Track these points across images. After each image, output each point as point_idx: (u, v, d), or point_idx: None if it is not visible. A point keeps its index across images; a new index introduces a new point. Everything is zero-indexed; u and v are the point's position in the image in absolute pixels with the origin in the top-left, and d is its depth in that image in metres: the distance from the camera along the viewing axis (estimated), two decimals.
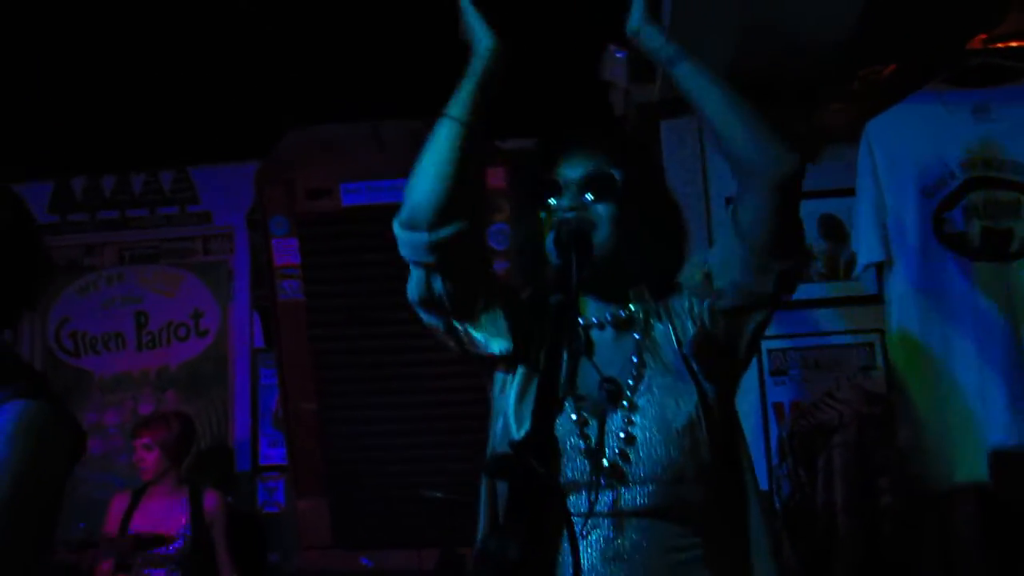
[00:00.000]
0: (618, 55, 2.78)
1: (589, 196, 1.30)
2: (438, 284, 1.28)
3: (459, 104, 1.27)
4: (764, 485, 2.28)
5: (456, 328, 1.32)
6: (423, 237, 1.24)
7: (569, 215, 1.28)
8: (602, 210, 1.29)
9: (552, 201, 1.31)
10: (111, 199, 4.17)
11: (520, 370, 1.32)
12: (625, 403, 1.27)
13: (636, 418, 1.25)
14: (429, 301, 1.30)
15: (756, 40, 2.26)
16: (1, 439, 1.26)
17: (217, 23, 3.07)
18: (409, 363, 3.44)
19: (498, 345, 1.32)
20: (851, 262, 2.58)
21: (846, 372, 2.64)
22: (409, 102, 3.44)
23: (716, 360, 1.30)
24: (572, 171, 1.31)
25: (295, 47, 3.20)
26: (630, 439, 1.24)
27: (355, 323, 3.46)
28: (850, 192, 2.45)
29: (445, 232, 1.23)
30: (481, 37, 1.30)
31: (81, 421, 4.02)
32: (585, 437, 1.25)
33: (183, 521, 3.37)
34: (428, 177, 1.24)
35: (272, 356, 3.80)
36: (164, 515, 3.38)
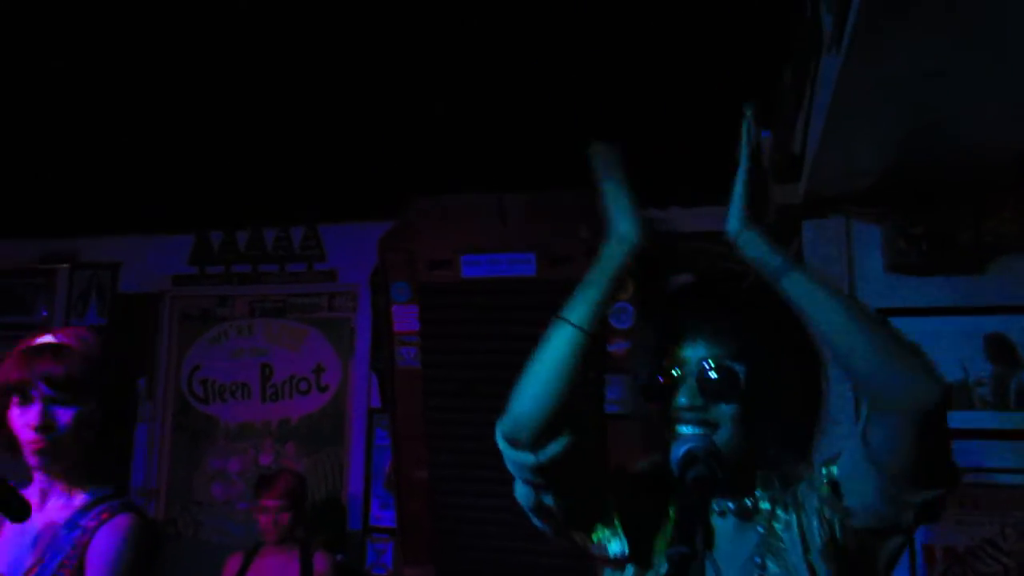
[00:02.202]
0: (763, 134, 2.62)
1: (707, 392, 1.17)
2: (548, 499, 1.19)
3: (582, 308, 1.16)
4: None
5: (571, 535, 1.24)
6: (528, 458, 1.15)
7: (690, 430, 1.15)
8: (725, 410, 1.16)
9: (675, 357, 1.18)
10: (245, 253, 4.33)
11: (630, 571, 1.21)
12: None
13: None
14: (539, 512, 1.22)
15: (919, 142, 2.04)
16: (113, 551, 1.49)
17: (351, 92, 3.13)
18: None
19: (615, 547, 1.21)
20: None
21: (1013, 518, 2.28)
22: (533, 175, 3.42)
23: (848, 572, 1.14)
24: (692, 353, 1.18)
25: (428, 115, 3.23)
26: None
27: (468, 395, 3.41)
28: (1023, 309, 2.19)
29: (551, 451, 1.14)
30: (626, 227, 1.20)
31: (206, 467, 4.24)
32: None
33: None
34: (537, 389, 1.14)
35: (387, 418, 3.81)
36: (275, 574, 3.42)
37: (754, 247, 1.17)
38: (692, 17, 2.55)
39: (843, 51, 1.56)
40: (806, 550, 1.15)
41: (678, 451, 1.11)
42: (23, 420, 1.53)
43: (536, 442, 1.13)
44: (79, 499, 1.57)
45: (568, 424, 1.14)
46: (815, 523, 1.15)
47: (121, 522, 1.53)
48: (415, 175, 3.58)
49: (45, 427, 1.52)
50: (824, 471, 1.15)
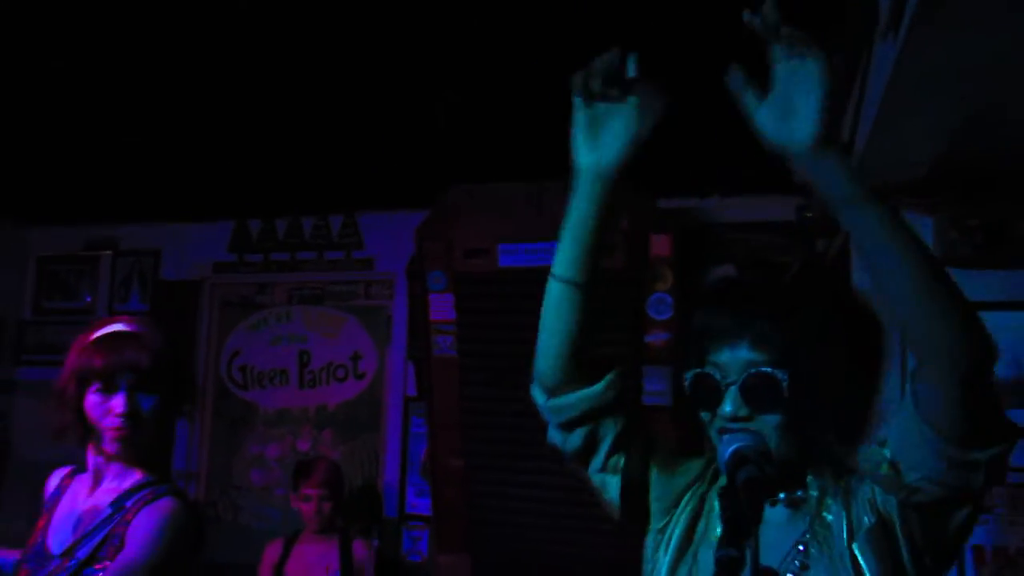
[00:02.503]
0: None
1: (751, 401, 1.12)
2: (565, 440, 1.23)
3: (560, 257, 1.16)
4: None
5: (584, 476, 1.28)
6: (542, 400, 1.21)
7: (733, 425, 1.13)
8: (769, 420, 1.12)
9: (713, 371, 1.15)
10: (283, 241, 4.35)
11: (672, 546, 1.20)
12: None
13: None
14: (561, 452, 1.26)
15: (975, 131, 1.95)
16: (152, 533, 1.52)
17: (390, 79, 3.12)
18: None
19: (611, 509, 1.26)
20: None
21: None
22: (571, 164, 3.38)
23: (896, 561, 1.09)
24: (734, 359, 1.13)
25: (466, 103, 3.21)
26: None
27: (504, 384, 3.40)
28: None
29: (562, 400, 1.19)
30: (586, 157, 1.12)
31: (245, 452, 4.29)
32: None
33: (334, 568, 3.43)
34: (540, 344, 1.19)
35: (423, 406, 3.81)
36: (316, 561, 3.45)
37: (825, 169, 0.97)
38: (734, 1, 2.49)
39: (900, 38, 1.50)
40: (851, 538, 1.11)
41: (726, 450, 1.08)
42: (106, 407, 1.58)
43: (553, 389, 1.19)
44: (128, 482, 1.62)
45: (588, 373, 1.18)
46: (864, 515, 1.12)
47: (163, 504, 1.57)
48: (453, 164, 3.56)
49: (131, 415, 1.57)
50: (877, 455, 1.10)
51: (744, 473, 1.02)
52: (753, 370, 1.11)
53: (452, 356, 3.52)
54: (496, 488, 3.49)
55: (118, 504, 1.58)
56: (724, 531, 0.95)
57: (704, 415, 1.17)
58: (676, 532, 1.22)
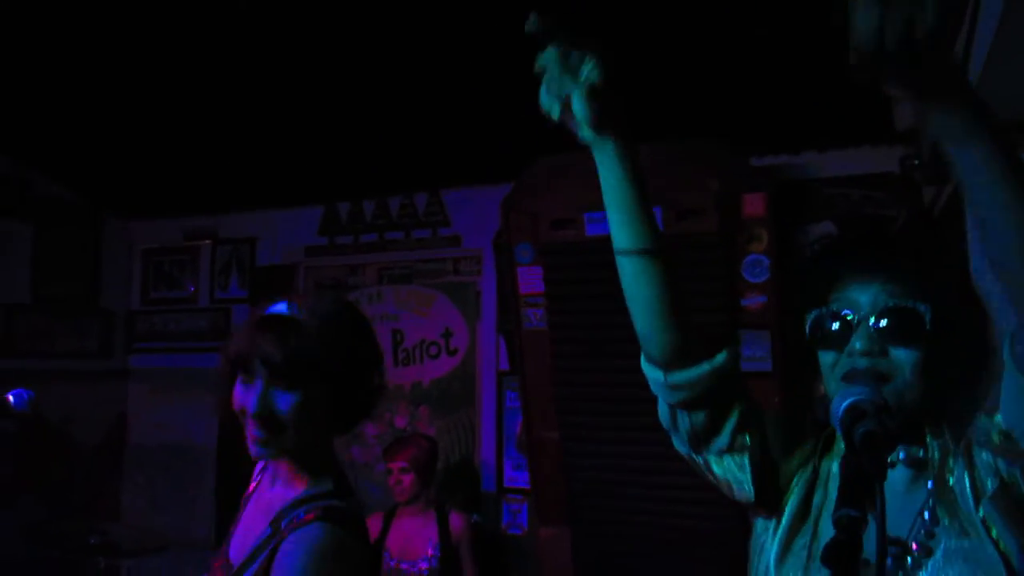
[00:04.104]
0: None
1: (886, 336, 1.04)
2: (684, 420, 1.15)
3: (615, 233, 1.10)
4: None
5: (696, 461, 1.19)
6: (659, 376, 1.12)
7: (862, 363, 1.03)
8: (903, 357, 1.04)
9: (838, 316, 1.07)
10: (371, 222, 4.41)
11: (784, 522, 1.13)
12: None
13: None
14: (674, 431, 1.19)
15: None
16: (294, 561, 1.29)
17: (469, 55, 3.09)
18: (648, 400, 3.27)
19: (739, 493, 1.17)
20: None
21: None
22: (658, 125, 3.28)
23: None
24: (863, 295, 1.06)
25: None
26: None
27: (596, 355, 3.35)
28: None
29: (682, 376, 1.10)
30: (579, 129, 1.06)
31: None
32: None
33: (432, 541, 3.48)
34: (638, 317, 1.12)
35: (517, 380, 3.80)
36: (414, 535, 3.51)
37: (942, 85, 0.82)
38: None
39: None
40: (977, 503, 1.03)
41: (841, 404, 0.98)
42: (243, 400, 1.37)
43: (667, 365, 1.12)
44: (295, 492, 1.42)
45: (700, 355, 1.11)
46: (988, 476, 1.04)
47: (309, 535, 1.32)
48: (536, 135, 3.50)
49: (262, 414, 1.34)
50: (987, 424, 1.02)
51: (862, 428, 0.94)
52: (892, 302, 1.04)
53: (542, 329, 3.50)
54: (593, 460, 3.46)
55: (275, 524, 1.38)
56: (842, 490, 0.88)
57: (827, 356, 1.09)
58: (790, 506, 1.15)
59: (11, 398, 1.43)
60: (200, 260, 4.88)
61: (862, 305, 1.06)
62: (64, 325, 4.67)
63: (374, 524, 3.58)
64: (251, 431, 1.36)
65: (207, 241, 4.87)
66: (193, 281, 4.89)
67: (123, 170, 4.44)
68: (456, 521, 3.53)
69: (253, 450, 1.38)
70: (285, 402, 1.34)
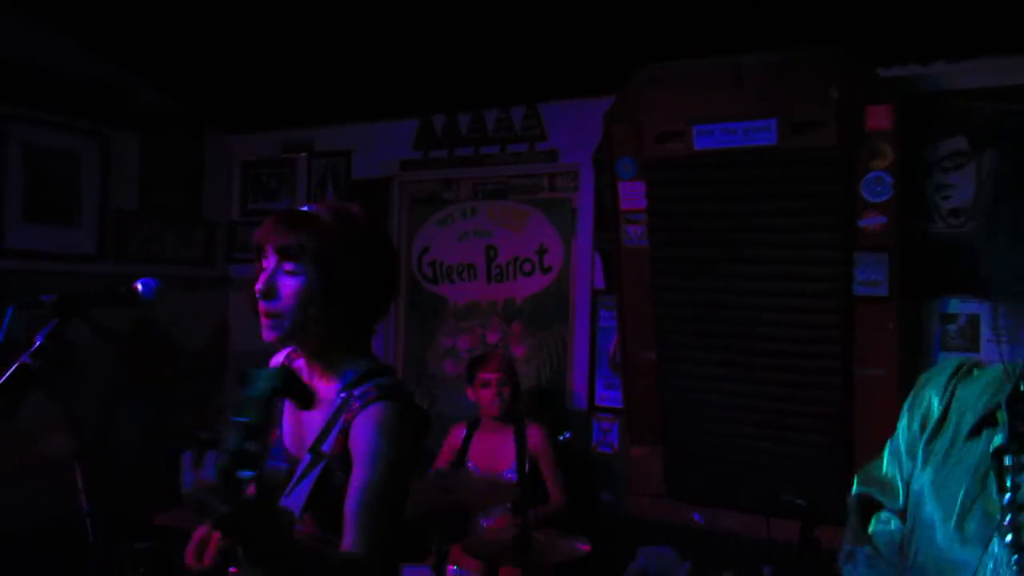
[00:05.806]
0: None
1: None
2: None
3: None
4: None
5: None
6: None
7: None
8: None
9: None
10: (467, 136, 4.34)
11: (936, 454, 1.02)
12: None
13: None
14: None
15: None
16: (370, 443, 1.43)
17: None
18: (750, 322, 3.17)
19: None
20: None
21: None
22: (772, 33, 3.09)
23: None
24: None
25: None
26: None
27: (698, 274, 3.26)
28: None
29: None
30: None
31: (438, 344, 4.26)
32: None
33: (512, 453, 3.51)
34: None
35: (612, 299, 3.74)
36: (497, 448, 3.55)
37: None
38: None
39: None
40: None
41: None
42: (255, 284, 1.47)
43: None
44: (336, 383, 1.52)
45: None
46: None
47: (375, 412, 1.45)
48: (640, 43, 3.36)
49: (266, 292, 1.45)
50: None
51: None
52: None
53: (643, 246, 3.41)
54: (688, 381, 3.40)
55: (348, 390, 1.49)
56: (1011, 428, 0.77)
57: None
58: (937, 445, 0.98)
59: (139, 286, 1.47)
60: (297, 173, 4.93)
61: None
62: (171, 233, 4.82)
63: (457, 432, 3.64)
64: (259, 308, 1.46)
65: (304, 154, 4.90)
66: (290, 194, 4.95)
67: (224, 82, 4.48)
68: (534, 433, 3.55)
69: (264, 334, 1.48)
70: (288, 285, 1.45)
